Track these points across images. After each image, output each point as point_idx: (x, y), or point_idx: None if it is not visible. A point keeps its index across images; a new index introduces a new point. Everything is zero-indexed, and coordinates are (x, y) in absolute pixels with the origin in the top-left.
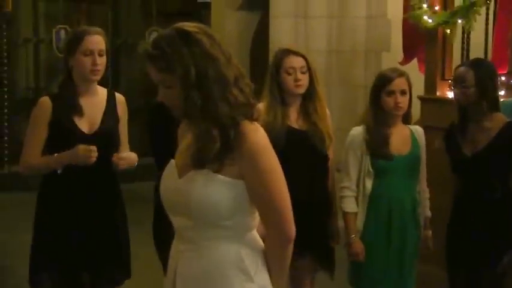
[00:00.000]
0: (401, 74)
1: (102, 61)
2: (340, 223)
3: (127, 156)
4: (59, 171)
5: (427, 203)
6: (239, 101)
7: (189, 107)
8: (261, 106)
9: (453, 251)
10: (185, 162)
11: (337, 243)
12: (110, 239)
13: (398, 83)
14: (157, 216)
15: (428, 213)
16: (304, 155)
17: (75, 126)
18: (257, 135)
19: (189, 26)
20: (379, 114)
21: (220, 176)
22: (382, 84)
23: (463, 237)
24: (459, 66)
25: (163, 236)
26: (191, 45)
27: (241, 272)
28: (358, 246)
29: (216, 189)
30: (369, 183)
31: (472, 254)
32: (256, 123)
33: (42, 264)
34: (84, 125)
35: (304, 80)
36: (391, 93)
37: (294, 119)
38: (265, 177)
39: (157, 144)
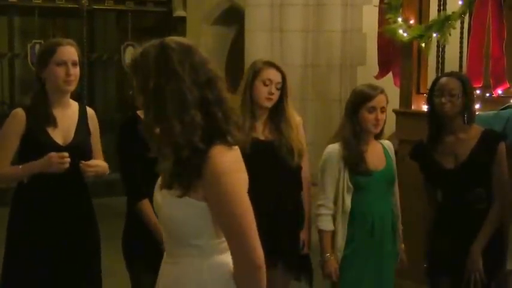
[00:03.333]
0: (382, 91)
1: (75, 71)
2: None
3: (95, 164)
4: (25, 180)
5: (399, 215)
6: (197, 123)
7: (146, 115)
8: None
9: (436, 261)
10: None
11: (306, 252)
12: (81, 253)
13: (380, 100)
14: (127, 231)
15: (401, 226)
16: (269, 165)
17: (50, 137)
18: (222, 157)
19: (172, 40)
20: (356, 129)
21: (184, 197)
22: (362, 100)
23: (447, 247)
24: (440, 77)
25: (133, 251)
26: (159, 59)
27: None
28: (332, 265)
29: (180, 208)
30: (348, 200)
31: (456, 263)
32: (228, 147)
33: (14, 280)
34: (58, 136)
35: (276, 95)
36: (373, 109)
37: (261, 131)
38: (226, 201)
39: (124, 159)
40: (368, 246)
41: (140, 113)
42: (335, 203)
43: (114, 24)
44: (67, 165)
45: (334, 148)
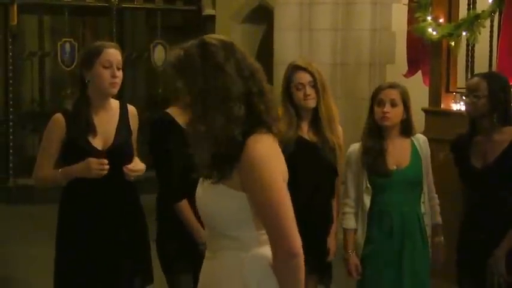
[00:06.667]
0: (394, 86)
1: (120, 74)
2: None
3: (137, 169)
4: (64, 184)
5: (436, 210)
6: (240, 117)
7: (193, 112)
8: None
9: (464, 261)
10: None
11: (330, 259)
12: (131, 247)
13: (388, 93)
14: (161, 232)
15: (438, 220)
16: (311, 166)
17: (89, 143)
18: (258, 145)
19: (212, 38)
20: (372, 127)
21: (223, 187)
22: (374, 95)
23: (474, 248)
24: (473, 76)
25: (167, 251)
26: (204, 56)
27: (242, 285)
28: (353, 263)
29: (218, 199)
30: (367, 200)
31: (482, 264)
32: (265, 135)
33: (67, 278)
34: (98, 142)
35: (313, 94)
36: (381, 102)
37: (305, 131)
38: (263, 188)
39: (160, 159)
40: (387, 248)
41: (170, 110)
42: (357, 202)
43: (144, 23)
44: (106, 171)
45: (354, 147)
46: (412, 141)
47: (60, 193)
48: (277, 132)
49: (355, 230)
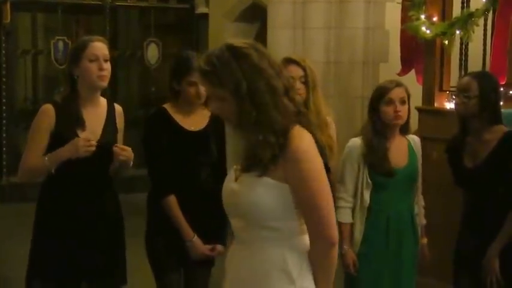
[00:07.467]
0: (400, 84)
1: (107, 66)
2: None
3: (127, 148)
4: (52, 171)
5: (422, 211)
6: (289, 109)
7: (243, 119)
8: None
9: (460, 260)
10: (239, 166)
11: None
12: (106, 247)
13: (398, 92)
14: (150, 228)
15: (424, 221)
16: None
17: (77, 136)
18: (301, 140)
19: (238, 42)
20: (377, 126)
21: (265, 178)
22: (380, 94)
23: (470, 247)
24: (463, 76)
25: (155, 248)
26: (240, 60)
27: (284, 274)
28: (350, 258)
29: (261, 190)
30: (367, 195)
31: (475, 263)
32: (303, 129)
33: (39, 273)
34: (85, 135)
35: (302, 89)
36: (390, 102)
37: None
38: (307, 183)
39: (152, 155)
40: (383, 247)
41: (167, 106)
42: (354, 196)
43: (137, 21)
44: (93, 148)
45: (355, 142)
46: (407, 140)
47: (40, 190)
48: (308, 123)
49: (351, 225)
